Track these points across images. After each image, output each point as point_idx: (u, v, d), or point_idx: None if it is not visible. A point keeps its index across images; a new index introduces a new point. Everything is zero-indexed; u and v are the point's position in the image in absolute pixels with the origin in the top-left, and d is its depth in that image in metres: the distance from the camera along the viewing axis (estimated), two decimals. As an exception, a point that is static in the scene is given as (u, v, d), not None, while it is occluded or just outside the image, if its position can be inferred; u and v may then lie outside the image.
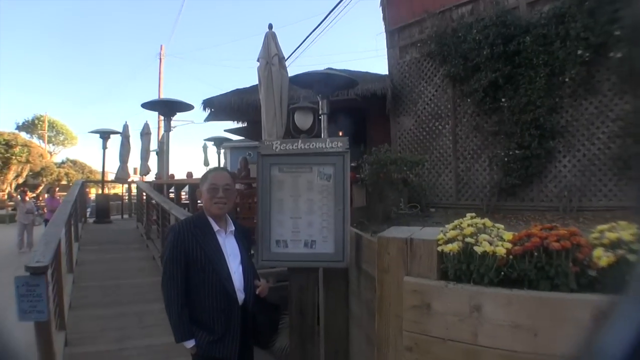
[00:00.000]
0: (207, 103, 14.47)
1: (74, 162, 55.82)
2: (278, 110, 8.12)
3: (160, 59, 35.56)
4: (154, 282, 7.90)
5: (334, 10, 15.19)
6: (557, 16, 10.54)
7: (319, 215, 4.83)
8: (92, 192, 29.08)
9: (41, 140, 55.60)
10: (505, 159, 11.22)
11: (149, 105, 11.64)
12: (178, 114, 13.60)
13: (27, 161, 41.78)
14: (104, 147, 17.78)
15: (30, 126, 55.30)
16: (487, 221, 3.07)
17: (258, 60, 8.67)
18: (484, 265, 2.69)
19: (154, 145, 20.68)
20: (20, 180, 41.42)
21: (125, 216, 20.54)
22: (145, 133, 19.31)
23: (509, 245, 2.71)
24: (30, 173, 43.53)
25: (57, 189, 21.27)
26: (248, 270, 3.64)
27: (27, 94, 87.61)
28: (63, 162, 54.77)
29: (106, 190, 30.73)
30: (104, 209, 17.35)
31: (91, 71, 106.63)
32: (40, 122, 55.57)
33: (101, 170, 19.66)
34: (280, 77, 8.37)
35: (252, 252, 4.26)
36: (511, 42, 11.04)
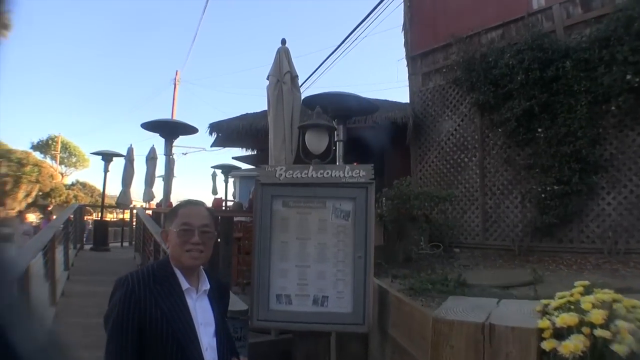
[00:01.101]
0: (213, 127, 13.61)
1: (84, 185, 55.21)
2: (288, 134, 7.11)
3: (175, 84, 34.95)
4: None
5: (351, 36, 14.22)
6: (600, 39, 9.52)
7: (333, 263, 3.77)
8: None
9: (54, 161, 55.24)
10: (543, 195, 10.09)
11: (149, 126, 10.66)
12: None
13: (37, 181, 41.26)
14: (106, 170, 17.14)
15: (44, 146, 54.94)
16: (619, 296, 1.90)
17: (268, 78, 7.72)
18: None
19: (160, 170, 19.79)
20: (30, 200, 40.87)
21: (126, 244, 19.58)
22: (151, 157, 18.44)
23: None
24: (40, 193, 43.00)
25: (51, 209, 20.34)
26: (224, 344, 2.49)
27: (45, 113, 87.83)
28: (73, 184, 54.23)
29: (111, 216, 29.99)
30: (102, 235, 16.47)
31: (109, 94, 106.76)
32: (54, 143, 55.22)
33: (101, 194, 18.86)
34: (292, 97, 7.41)
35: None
36: (549, 68, 10.01)
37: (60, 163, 57.22)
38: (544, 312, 2.00)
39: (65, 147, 56.80)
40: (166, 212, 10.08)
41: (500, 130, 11.02)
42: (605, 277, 7.82)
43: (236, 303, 3.61)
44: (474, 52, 11.76)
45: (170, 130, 11.07)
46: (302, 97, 8.07)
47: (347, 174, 3.78)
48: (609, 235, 9.47)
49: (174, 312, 2.37)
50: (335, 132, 7.28)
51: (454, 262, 10.13)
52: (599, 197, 9.77)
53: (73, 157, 58.23)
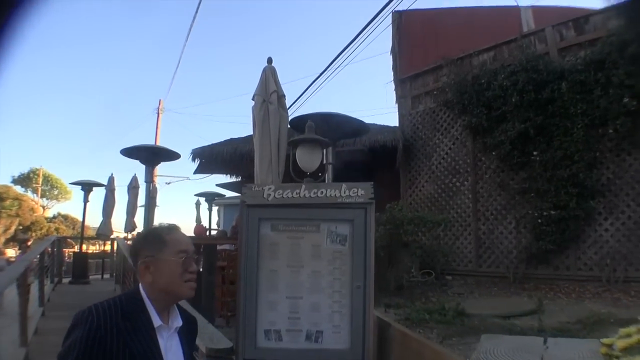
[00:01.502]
0: (196, 153, 13.18)
1: (66, 217, 54.38)
2: (275, 156, 6.71)
3: (158, 113, 34.56)
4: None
5: (339, 58, 13.90)
6: (595, 62, 9.37)
7: (329, 294, 3.36)
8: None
9: (35, 194, 54.68)
10: (539, 220, 9.74)
11: (128, 152, 10.13)
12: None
13: (17, 215, 40.73)
14: (85, 200, 16.49)
15: (25, 179, 54.30)
16: None
17: (253, 99, 7.31)
18: None
19: (143, 200, 19.29)
20: (9, 235, 40.25)
21: (107, 276, 18.96)
22: (132, 186, 17.95)
23: None
24: (20, 227, 42.38)
25: (30, 244, 19.80)
26: None
27: (25, 146, 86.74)
28: (54, 217, 53.50)
29: (94, 248, 29.30)
30: (82, 268, 15.81)
31: (92, 124, 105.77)
32: (35, 176, 54.66)
33: (81, 225, 18.32)
34: (279, 117, 7.01)
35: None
36: (544, 89, 9.78)
37: (42, 196, 56.80)
38: (611, 355, 1.60)
39: (47, 179, 56.32)
40: (142, 242, 9.66)
41: (493, 153, 10.71)
42: (607, 307, 7.53)
43: (220, 340, 3.19)
44: (466, 74, 11.52)
45: (151, 156, 10.53)
46: (290, 119, 7.69)
47: (344, 193, 3.38)
48: (606, 262, 9.17)
49: (144, 356, 1.95)
50: (324, 156, 6.88)
51: (448, 290, 9.75)
52: (596, 222, 9.48)
53: (55, 189, 57.75)
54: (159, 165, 11.11)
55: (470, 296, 9.16)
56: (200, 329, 2.87)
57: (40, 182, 55.10)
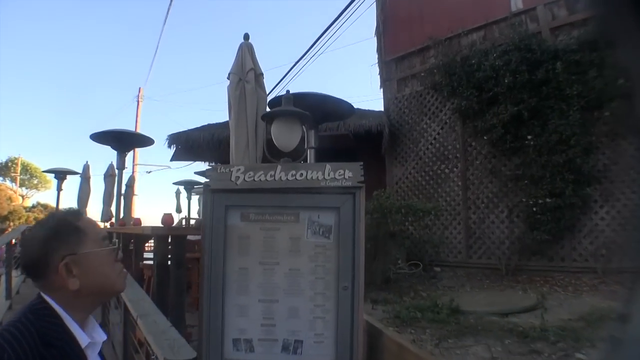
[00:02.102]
0: (173, 139, 12.54)
1: (45, 207, 53.49)
2: (252, 140, 6.09)
3: (138, 101, 33.90)
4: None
5: (320, 39, 13.27)
6: (589, 42, 8.82)
7: (310, 297, 2.82)
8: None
9: (14, 183, 53.99)
10: (534, 209, 9.24)
11: (100, 138, 9.49)
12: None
13: None
14: (59, 189, 15.70)
15: (3, 168, 53.61)
16: None
17: (228, 78, 6.68)
18: None
19: (121, 189, 18.64)
20: (-13, 225, 39.73)
21: (85, 267, 18.34)
22: (109, 175, 17.20)
23: None
24: None
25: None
26: None
27: (4, 134, 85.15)
28: (34, 206, 52.63)
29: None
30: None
31: (72, 113, 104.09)
32: (14, 165, 53.80)
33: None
34: (257, 97, 6.38)
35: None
36: (538, 69, 9.26)
37: (21, 185, 56.25)
38: None
39: (26, 168, 55.47)
40: (118, 231, 9.03)
41: (485, 138, 10.18)
42: (606, 301, 7.04)
43: (182, 349, 2.59)
44: (455, 55, 10.99)
45: (123, 141, 9.92)
46: (268, 100, 7.07)
47: (328, 175, 2.82)
48: (602, 253, 8.73)
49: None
50: (305, 138, 6.22)
51: (437, 283, 9.24)
52: (592, 211, 9.03)
53: (34, 178, 56.95)
54: (131, 151, 10.45)
55: (462, 290, 8.64)
56: (158, 334, 2.32)
57: (19, 171, 54.33)
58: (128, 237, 8.27)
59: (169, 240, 4.61)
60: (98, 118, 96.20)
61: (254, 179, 2.86)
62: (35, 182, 57.45)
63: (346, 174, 2.82)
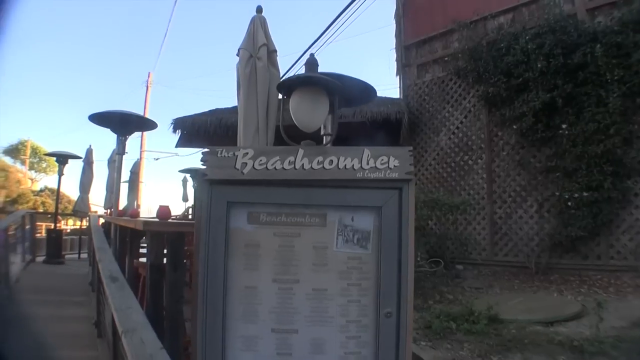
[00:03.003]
0: (178, 123, 11.88)
1: (53, 191, 53.54)
2: (262, 122, 5.38)
3: (147, 86, 33.49)
4: (87, 357, 5.46)
5: (335, 23, 12.60)
6: (633, 22, 8.14)
7: (341, 326, 2.13)
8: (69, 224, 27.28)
9: (24, 166, 54.39)
10: (568, 203, 8.51)
11: (98, 120, 8.76)
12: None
13: (3, 187, 40.35)
14: (60, 173, 15.45)
15: (14, 151, 53.63)
16: None
17: (238, 54, 5.97)
18: None
19: (126, 175, 18.12)
20: (-2, 206, 39.92)
21: (85, 255, 17.89)
22: (113, 160, 16.72)
23: None
24: (8, 199, 41.95)
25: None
26: None
27: (16, 116, 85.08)
28: (42, 190, 52.68)
29: (79, 224, 28.18)
30: (56, 246, 14.69)
31: (82, 97, 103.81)
32: (24, 147, 53.87)
33: (55, 199, 17.32)
34: (269, 75, 5.65)
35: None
36: (574, 53, 8.53)
37: (31, 168, 56.53)
38: None
39: (35, 152, 55.51)
40: (117, 221, 8.35)
41: (514, 127, 9.45)
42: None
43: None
44: (481, 39, 10.28)
45: (122, 124, 9.16)
46: (281, 79, 6.36)
47: (368, 163, 2.13)
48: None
49: None
50: (322, 125, 5.46)
51: (462, 283, 8.57)
52: (632, 205, 8.29)
53: (43, 162, 57.05)
54: (136, 136, 9.78)
55: (490, 291, 7.96)
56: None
57: (28, 154, 54.53)
58: (125, 229, 7.58)
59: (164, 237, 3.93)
60: (108, 103, 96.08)
61: (266, 167, 2.16)
62: (44, 165, 57.53)
63: (391, 162, 2.13)
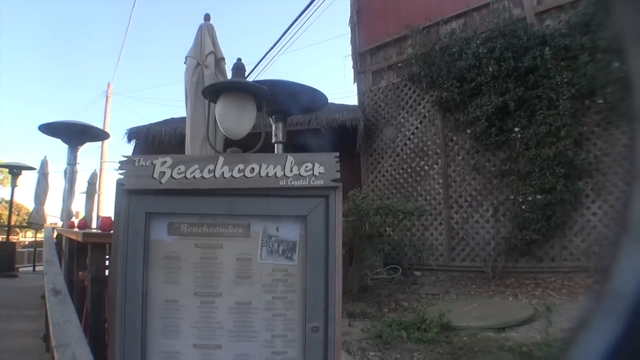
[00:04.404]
0: (132, 134, 11.67)
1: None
2: (212, 132, 5.27)
3: (107, 97, 33.11)
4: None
5: (290, 30, 12.57)
6: (580, 25, 8.28)
7: (266, 341, 2.00)
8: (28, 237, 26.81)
9: None
10: (522, 207, 8.55)
11: (48, 129, 8.52)
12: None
13: None
14: (13, 185, 15.41)
15: (-34, 162, 52.56)
16: None
17: (185, 62, 5.86)
18: None
19: (82, 186, 17.82)
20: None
21: (40, 267, 17.52)
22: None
23: None
24: None
25: None
26: None
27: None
28: (-4, 202, 51.76)
29: (39, 236, 27.69)
30: (7, 259, 14.38)
31: (39, 107, 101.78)
32: (-23, 159, 52.81)
33: (8, 211, 17.18)
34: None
35: None
36: (524, 56, 8.62)
37: None
38: None
39: (-11, 163, 54.51)
40: (65, 233, 8.11)
41: (468, 132, 9.48)
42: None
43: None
44: (434, 44, 10.35)
45: (73, 134, 8.95)
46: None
47: (291, 171, 2.02)
48: (594, 250, 8.09)
49: None
50: (273, 132, 5.34)
51: (419, 290, 8.51)
52: (584, 206, 8.41)
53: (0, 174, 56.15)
54: (83, 145, 9.51)
55: (447, 297, 7.91)
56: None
57: None
58: (73, 241, 7.37)
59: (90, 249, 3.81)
60: (67, 113, 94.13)
61: (185, 176, 2.04)
62: (1, 177, 56.60)
63: (316, 169, 2.03)
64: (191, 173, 2.06)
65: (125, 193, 2.08)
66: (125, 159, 2.12)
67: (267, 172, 2.05)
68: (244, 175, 2.05)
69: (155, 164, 2.07)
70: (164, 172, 2.05)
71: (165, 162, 2.07)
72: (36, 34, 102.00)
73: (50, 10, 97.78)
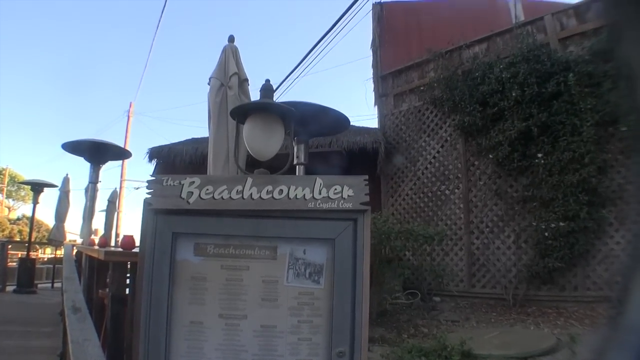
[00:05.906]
0: (153, 153, 11.76)
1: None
2: (233, 152, 5.29)
3: (128, 116, 33.45)
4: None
5: (312, 52, 12.69)
6: (602, 52, 8.20)
7: (290, 366, 1.95)
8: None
9: (1, 194, 54.68)
10: (545, 234, 8.42)
11: (72, 148, 8.67)
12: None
13: None
14: (35, 202, 15.51)
15: (-9, 179, 54.13)
16: None
17: (209, 82, 5.92)
18: None
19: (102, 204, 18.02)
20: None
21: (59, 284, 17.59)
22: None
23: None
24: None
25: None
26: None
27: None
28: (19, 219, 52.68)
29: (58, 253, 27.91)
30: (27, 275, 14.53)
31: (62, 126, 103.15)
32: (1, 176, 54.08)
33: (29, 227, 17.37)
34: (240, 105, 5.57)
35: None
36: (548, 82, 8.57)
37: (8, 196, 56.69)
38: None
39: (13, 180, 55.81)
40: (86, 250, 8.13)
41: (490, 156, 9.41)
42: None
43: None
44: (456, 68, 10.34)
45: (96, 152, 9.07)
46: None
47: (320, 193, 2.00)
48: (617, 280, 7.89)
49: None
50: (295, 154, 5.33)
51: (438, 316, 8.38)
52: (607, 235, 8.23)
53: (22, 190, 57.35)
54: (106, 163, 9.60)
55: (467, 324, 7.79)
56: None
57: (6, 182, 54.72)
58: (94, 258, 7.37)
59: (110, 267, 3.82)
60: (89, 132, 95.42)
61: (213, 197, 2.03)
62: (23, 194, 57.72)
63: (345, 191, 2.01)
64: (219, 193, 2.05)
65: (153, 212, 2.07)
66: (154, 178, 2.12)
67: (296, 194, 2.03)
68: (272, 196, 2.04)
69: (183, 184, 2.07)
70: (192, 192, 2.05)
71: (194, 182, 2.07)
72: (55, 66, 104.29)
73: (67, 42, 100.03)
